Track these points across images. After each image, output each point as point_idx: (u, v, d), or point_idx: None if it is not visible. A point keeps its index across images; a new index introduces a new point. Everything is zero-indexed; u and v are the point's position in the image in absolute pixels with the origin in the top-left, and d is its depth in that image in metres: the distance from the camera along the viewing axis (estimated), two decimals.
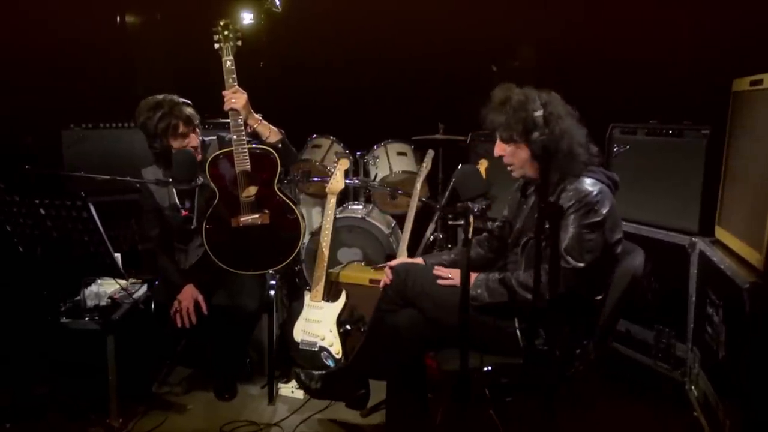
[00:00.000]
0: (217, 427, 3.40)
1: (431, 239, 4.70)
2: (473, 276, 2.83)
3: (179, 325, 3.51)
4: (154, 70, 5.69)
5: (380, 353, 2.99)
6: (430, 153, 4.44)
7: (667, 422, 3.39)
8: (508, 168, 2.90)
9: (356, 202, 5.04)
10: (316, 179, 4.93)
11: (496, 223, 3.16)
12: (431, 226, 4.69)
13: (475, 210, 2.53)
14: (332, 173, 4.03)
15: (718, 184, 3.32)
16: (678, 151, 3.54)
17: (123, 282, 3.57)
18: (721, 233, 3.22)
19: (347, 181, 4.75)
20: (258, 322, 3.71)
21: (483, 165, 3.75)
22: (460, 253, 2.66)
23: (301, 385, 3.33)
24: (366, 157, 5.06)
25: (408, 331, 2.88)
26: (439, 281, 2.92)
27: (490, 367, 2.74)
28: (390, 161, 4.97)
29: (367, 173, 5.09)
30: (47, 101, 4.67)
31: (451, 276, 2.91)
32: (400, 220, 5.03)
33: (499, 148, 2.88)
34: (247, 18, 6.37)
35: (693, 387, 3.30)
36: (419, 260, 3.19)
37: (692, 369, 3.31)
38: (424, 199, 4.77)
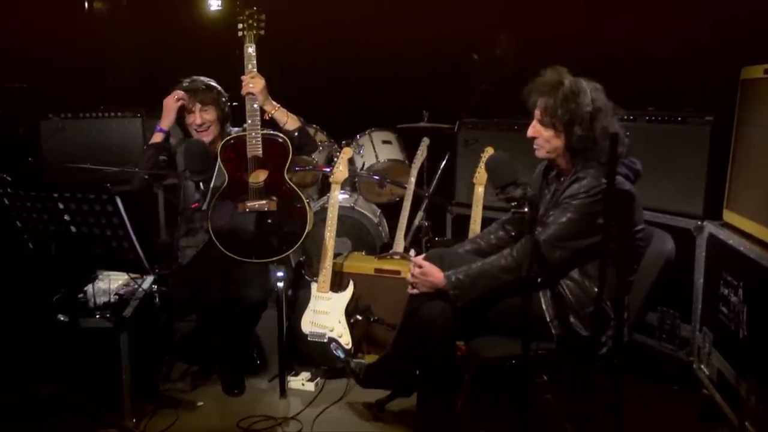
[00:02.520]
0: (233, 423, 3.33)
1: (418, 226, 4.72)
2: (440, 276, 2.89)
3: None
4: (122, 56, 5.53)
5: (415, 342, 2.97)
6: (425, 141, 4.43)
7: (676, 400, 3.50)
8: (534, 146, 2.89)
9: (342, 191, 4.99)
10: (297, 169, 4.88)
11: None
12: (420, 214, 4.70)
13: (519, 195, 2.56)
14: (334, 162, 3.98)
15: (721, 169, 3.42)
16: (680, 138, 3.63)
17: (125, 277, 3.48)
18: (730, 216, 3.32)
19: (324, 169, 4.72)
20: (262, 312, 3.64)
21: (488, 153, 3.76)
22: (523, 242, 2.65)
23: (352, 375, 3.30)
24: (351, 146, 5.02)
25: (443, 320, 2.87)
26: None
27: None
28: (375, 150, 4.95)
29: (351, 162, 5.05)
30: (23, 92, 4.48)
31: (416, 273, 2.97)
32: (384, 209, 5.03)
33: (534, 130, 2.85)
34: (214, 4, 6.26)
35: (703, 366, 3.41)
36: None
37: (702, 348, 3.42)
38: (406, 186, 4.76)
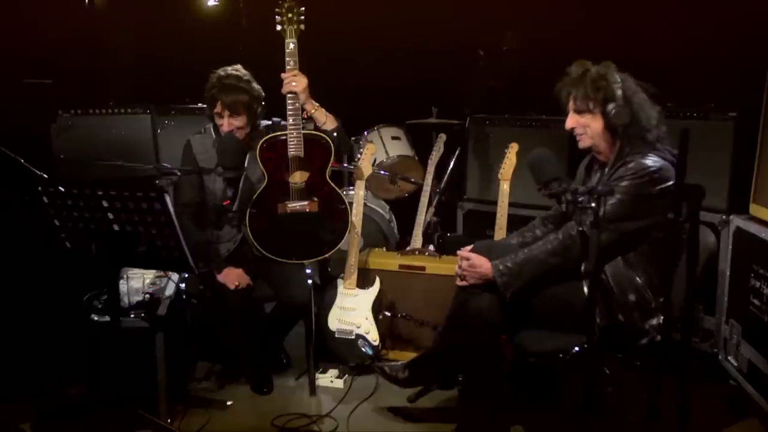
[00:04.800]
0: (267, 421, 3.30)
1: (428, 222, 4.72)
2: (488, 266, 2.90)
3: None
4: (121, 52, 5.43)
5: (462, 336, 2.98)
6: (442, 137, 4.45)
7: (701, 392, 3.54)
8: (577, 139, 2.93)
9: (351, 188, 4.97)
10: None
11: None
12: (431, 209, 4.70)
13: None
14: (357, 159, 3.97)
15: (745, 164, 3.49)
16: (703, 134, 3.69)
17: (150, 275, 3.42)
18: (757, 210, 3.38)
19: (345, 165, 4.70)
20: (305, 313, 3.57)
21: (514, 149, 3.77)
22: (589, 236, 2.67)
23: (388, 379, 3.28)
24: (360, 142, 5.00)
25: (491, 313, 2.88)
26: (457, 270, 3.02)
27: (578, 348, 2.77)
28: (385, 145, 4.93)
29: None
30: (28, 90, 4.37)
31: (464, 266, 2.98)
32: (391, 205, 5.02)
33: (572, 120, 2.89)
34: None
35: (730, 357, 3.47)
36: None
37: (729, 340, 3.48)
38: (413, 180, 4.77)
